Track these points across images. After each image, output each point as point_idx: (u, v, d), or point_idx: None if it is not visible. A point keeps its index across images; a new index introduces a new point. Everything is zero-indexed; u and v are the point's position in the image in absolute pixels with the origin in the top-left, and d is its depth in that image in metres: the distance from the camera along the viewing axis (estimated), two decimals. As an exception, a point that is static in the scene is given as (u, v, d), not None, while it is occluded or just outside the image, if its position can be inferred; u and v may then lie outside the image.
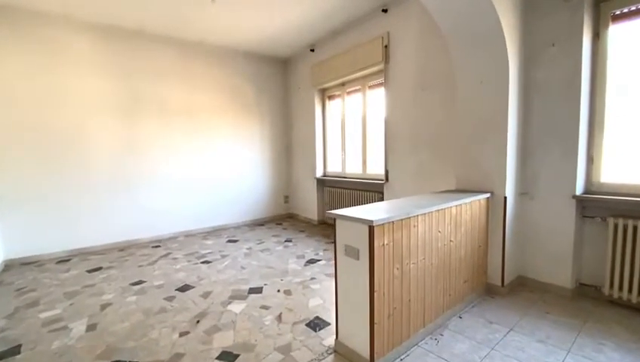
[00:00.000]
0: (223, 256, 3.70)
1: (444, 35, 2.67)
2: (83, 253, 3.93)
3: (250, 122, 5.33)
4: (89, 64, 3.91)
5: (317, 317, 2.28)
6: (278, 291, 2.73)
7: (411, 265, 1.88)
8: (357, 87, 4.47)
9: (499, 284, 2.59)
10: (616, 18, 2.33)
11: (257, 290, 2.76)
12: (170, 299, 2.64)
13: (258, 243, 4.19)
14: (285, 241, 4.27)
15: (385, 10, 3.66)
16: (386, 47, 3.70)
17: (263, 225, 5.30)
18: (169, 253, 3.87)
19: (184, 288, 2.84)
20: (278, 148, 5.72)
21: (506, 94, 2.47)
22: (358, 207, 1.96)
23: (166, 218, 4.56)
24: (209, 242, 4.33)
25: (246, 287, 2.83)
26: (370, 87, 4.25)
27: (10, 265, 3.54)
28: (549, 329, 2.08)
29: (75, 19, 3.78)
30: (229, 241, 4.34)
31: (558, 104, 2.48)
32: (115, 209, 4.17)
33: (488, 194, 2.55)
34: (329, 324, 2.17)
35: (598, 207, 2.41)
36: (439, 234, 2.09)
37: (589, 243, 2.48)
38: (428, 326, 2.04)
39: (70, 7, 3.50)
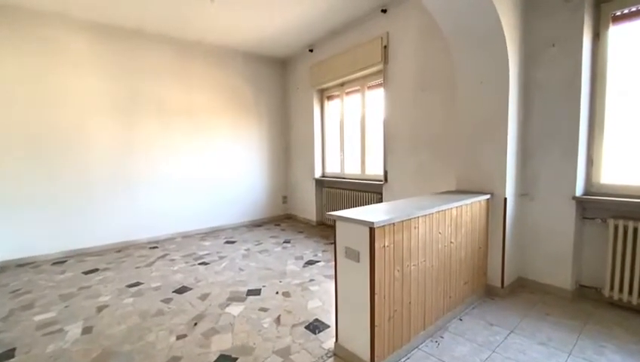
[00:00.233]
0: (221, 258, 3.67)
1: (445, 35, 2.66)
2: (79, 254, 3.89)
3: (249, 122, 5.31)
4: (88, 64, 3.88)
5: (316, 320, 2.26)
6: (277, 293, 2.71)
7: (412, 267, 1.87)
8: (356, 88, 4.45)
9: (499, 286, 2.58)
10: (617, 19, 2.33)
11: (256, 292, 2.74)
12: (167, 301, 2.61)
13: (256, 245, 4.16)
14: (284, 242, 4.24)
15: (384, 11, 3.65)
16: (385, 47, 3.68)
17: (261, 225, 5.27)
18: (166, 254, 3.83)
19: (181, 290, 2.81)
20: (276, 148, 5.69)
21: (506, 94, 2.47)
22: (358, 208, 1.94)
23: (164, 218, 4.52)
24: (207, 243, 4.30)
25: (244, 289, 2.80)
26: (369, 87, 4.24)
27: (5, 267, 3.50)
28: (550, 331, 2.06)
29: (74, 19, 3.75)
30: (227, 242, 4.30)
31: (558, 104, 2.48)
32: (112, 209, 4.13)
33: (488, 196, 2.54)
34: (328, 327, 2.15)
35: (598, 208, 2.41)
36: (440, 235, 2.07)
37: (589, 244, 2.47)
38: (428, 328, 2.02)
39: (69, 6, 3.46)
